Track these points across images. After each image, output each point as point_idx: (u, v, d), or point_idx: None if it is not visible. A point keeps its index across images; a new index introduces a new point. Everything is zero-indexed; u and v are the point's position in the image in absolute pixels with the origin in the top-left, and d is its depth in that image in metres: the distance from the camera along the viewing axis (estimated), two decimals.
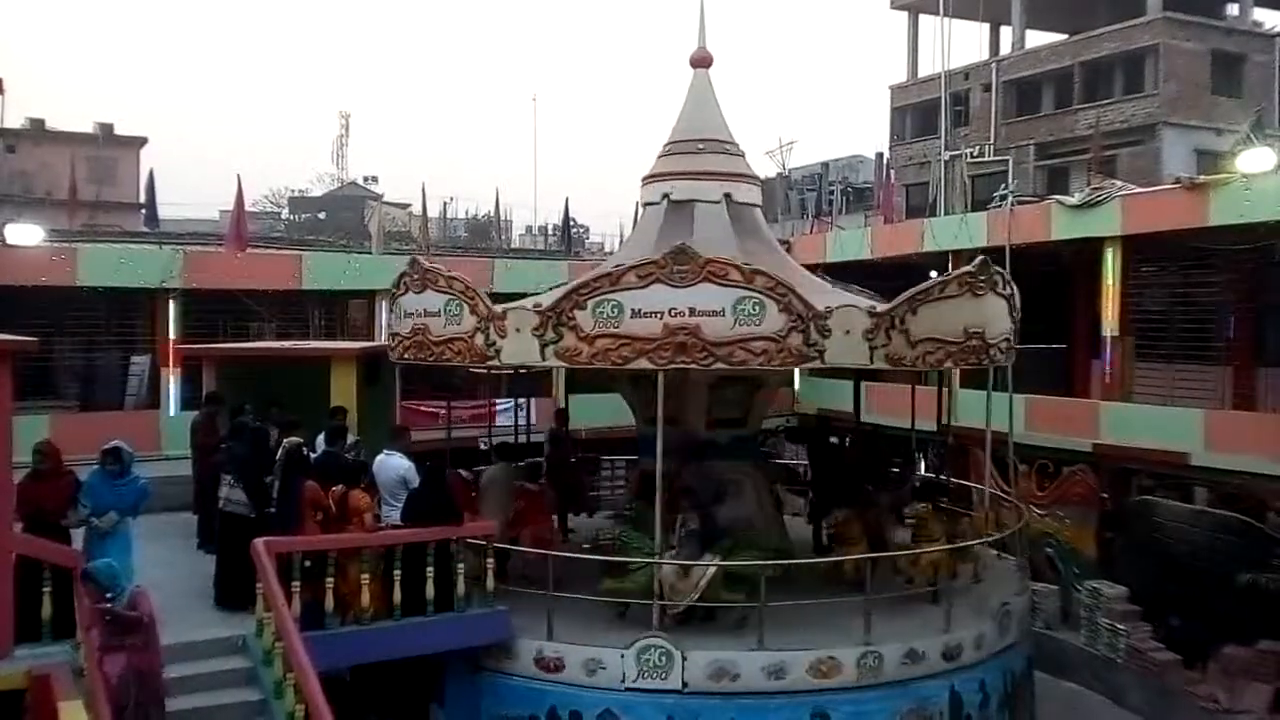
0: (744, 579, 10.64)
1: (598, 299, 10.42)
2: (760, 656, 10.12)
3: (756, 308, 10.23)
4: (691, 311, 10.18)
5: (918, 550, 11.86)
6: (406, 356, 12.15)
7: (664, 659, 10.04)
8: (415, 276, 11.77)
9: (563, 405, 18.18)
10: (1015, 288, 12.08)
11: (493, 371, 13.72)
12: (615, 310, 10.36)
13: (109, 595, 7.38)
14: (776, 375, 13.02)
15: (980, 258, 11.54)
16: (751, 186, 13.96)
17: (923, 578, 11.65)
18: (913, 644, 10.56)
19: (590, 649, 10.27)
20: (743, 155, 13.90)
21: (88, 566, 7.64)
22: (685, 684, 10.02)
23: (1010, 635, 11.71)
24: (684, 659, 10.03)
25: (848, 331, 10.39)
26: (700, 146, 13.53)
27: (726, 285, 10.24)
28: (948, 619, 10.98)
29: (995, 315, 11.59)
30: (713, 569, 10.47)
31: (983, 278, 11.26)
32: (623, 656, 10.12)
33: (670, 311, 10.20)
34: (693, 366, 10.41)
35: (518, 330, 10.71)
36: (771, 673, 10.08)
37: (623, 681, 10.09)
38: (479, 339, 10.99)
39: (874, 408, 18.26)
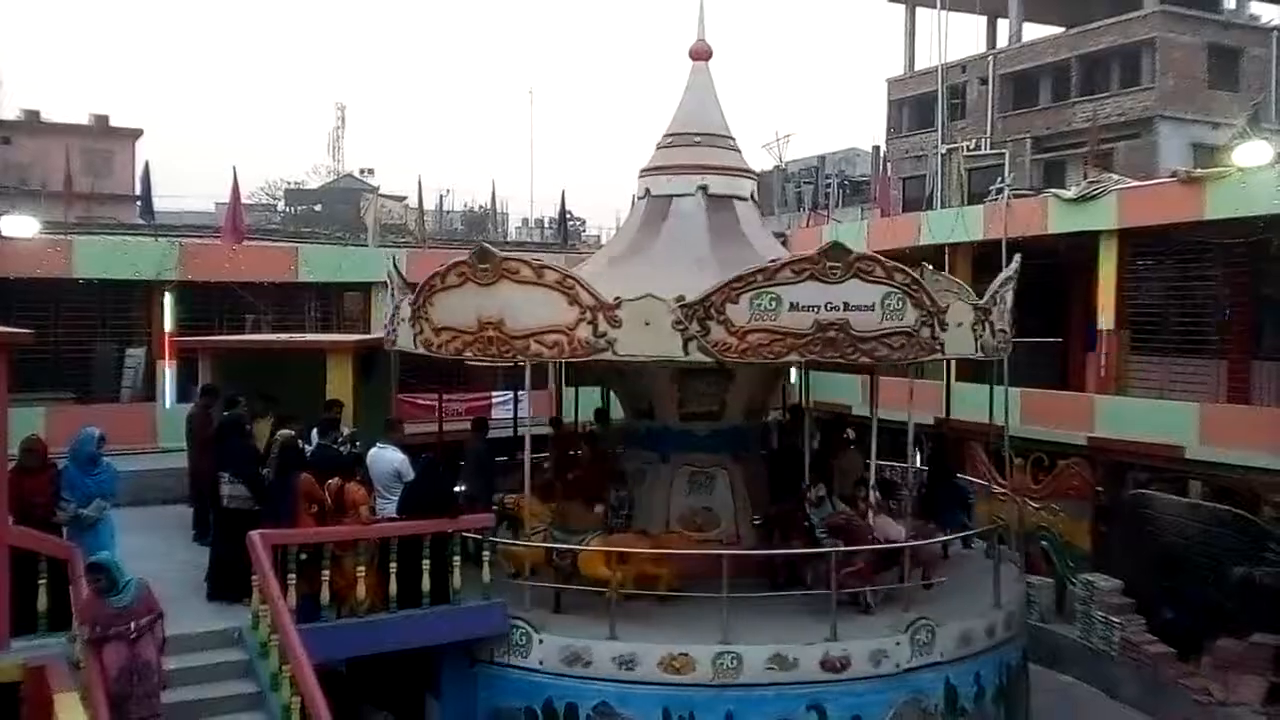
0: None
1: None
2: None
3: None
4: None
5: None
6: (790, 356, 10.81)
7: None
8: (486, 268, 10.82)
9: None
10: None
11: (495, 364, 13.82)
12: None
13: (118, 586, 7.40)
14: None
15: (480, 245, 11.08)
16: (750, 180, 13.95)
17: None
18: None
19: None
20: (739, 150, 13.87)
21: (97, 559, 7.64)
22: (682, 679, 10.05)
23: (1001, 631, 11.71)
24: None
25: (405, 318, 11.66)
26: (730, 142, 13.51)
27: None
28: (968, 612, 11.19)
29: (524, 306, 10.53)
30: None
31: (483, 266, 10.59)
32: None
33: None
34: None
35: None
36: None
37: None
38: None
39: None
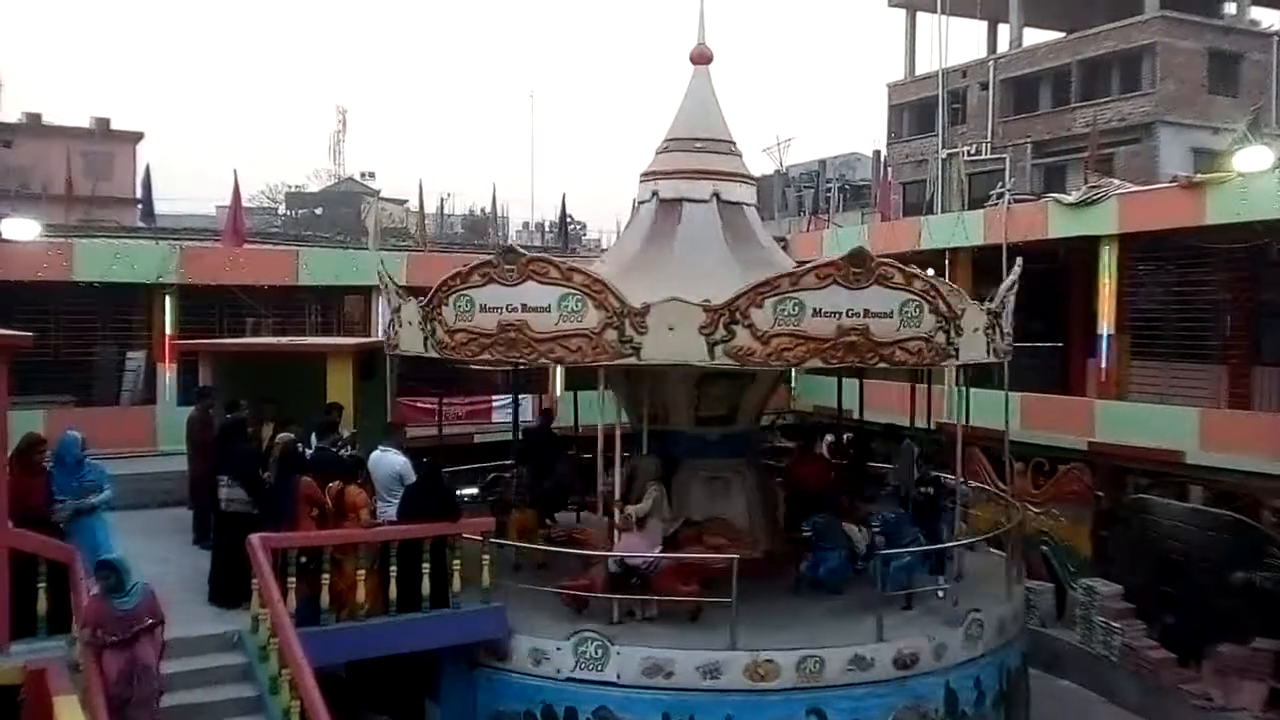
0: None
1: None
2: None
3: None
4: None
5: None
6: (483, 355, 11.52)
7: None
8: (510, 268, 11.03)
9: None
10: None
11: (499, 368, 14.21)
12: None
13: (124, 587, 7.40)
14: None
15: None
16: (748, 186, 13.91)
17: None
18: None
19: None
20: (740, 155, 13.84)
21: (107, 556, 7.65)
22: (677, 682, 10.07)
23: (1002, 635, 11.70)
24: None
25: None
26: (699, 145, 13.45)
27: None
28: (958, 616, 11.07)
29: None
30: None
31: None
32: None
33: None
34: None
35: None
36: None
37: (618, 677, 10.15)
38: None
39: (869, 404, 18.20)
